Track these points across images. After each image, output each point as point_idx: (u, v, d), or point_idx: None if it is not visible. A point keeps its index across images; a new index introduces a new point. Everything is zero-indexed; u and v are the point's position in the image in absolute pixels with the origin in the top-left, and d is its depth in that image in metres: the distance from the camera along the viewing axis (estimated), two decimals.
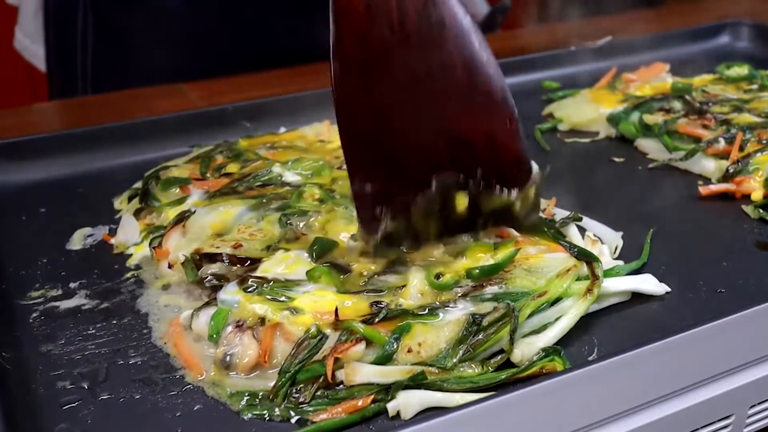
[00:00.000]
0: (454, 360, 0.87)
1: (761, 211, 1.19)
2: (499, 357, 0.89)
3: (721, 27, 1.96)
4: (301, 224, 1.07)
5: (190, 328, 0.95)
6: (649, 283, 1.01)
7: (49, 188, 1.34)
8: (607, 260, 1.05)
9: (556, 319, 0.93)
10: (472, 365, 0.88)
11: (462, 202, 0.99)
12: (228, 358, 0.89)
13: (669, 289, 1.01)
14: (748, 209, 1.21)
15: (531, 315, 0.92)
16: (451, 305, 0.92)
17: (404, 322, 0.89)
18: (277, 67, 1.87)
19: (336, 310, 0.90)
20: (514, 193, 1.00)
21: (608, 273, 1.01)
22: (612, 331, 0.95)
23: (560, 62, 1.78)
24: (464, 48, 0.94)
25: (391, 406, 0.83)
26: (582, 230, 1.12)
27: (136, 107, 1.66)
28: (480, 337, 0.89)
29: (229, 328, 0.91)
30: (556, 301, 0.95)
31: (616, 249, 1.10)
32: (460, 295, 0.94)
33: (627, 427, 0.81)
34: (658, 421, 0.82)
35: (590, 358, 0.91)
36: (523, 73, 1.73)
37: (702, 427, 0.87)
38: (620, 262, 1.06)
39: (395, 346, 0.87)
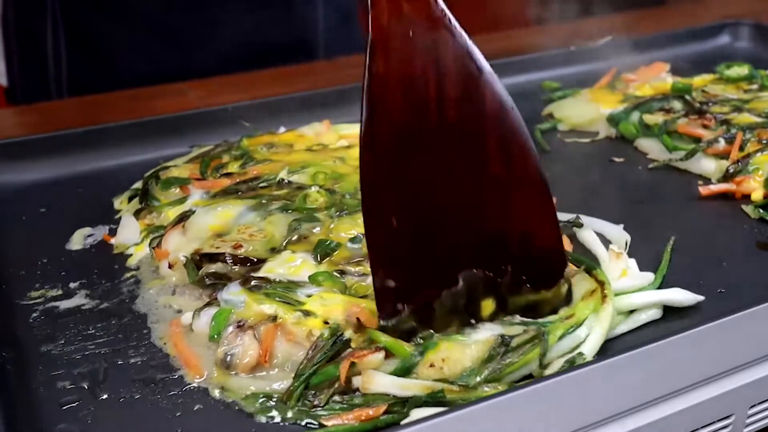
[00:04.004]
0: (478, 379, 0.85)
1: (761, 211, 1.19)
2: (531, 380, 0.85)
3: (721, 27, 1.96)
4: (315, 230, 1.07)
5: (190, 329, 0.95)
6: (680, 295, 0.98)
7: (49, 188, 1.34)
8: (635, 273, 1.03)
9: (586, 339, 0.91)
10: (498, 387, 0.85)
11: (488, 305, 0.92)
12: (229, 358, 0.89)
13: (702, 298, 0.98)
14: (748, 209, 1.21)
15: (561, 337, 0.90)
16: (479, 325, 0.90)
17: (431, 338, 0.87)
18: (260, 66, 1.87)
19: (357, 320, 0.89)
20: (545, 290, 0.94)
21: (638, 289, 1.00)
22: (616, 335, 0.95)
23: (560, 62, 1.78)
24: (506, 139, 0.89)
25: (405, 423, 0.79)
26: (606, 242, 1.10)
27: (136, 107, 1.66)
28: (508, 358, 0.86)
29: (230, 329, 0.91)
30: (584, 321, 0.92)
31: (626, 245, 1.10)
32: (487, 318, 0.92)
33: (627, 427, 0.81)
34: (658, 421, 0.82)
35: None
36: (523, 73, 1.73)
37: (702, 427, 0.86)
38: (649, 274, 1.03)
39: (417, 360, 0.86)
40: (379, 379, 0.84)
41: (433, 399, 0.82)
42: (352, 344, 0.88)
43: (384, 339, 0.87)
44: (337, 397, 0.85)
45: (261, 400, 0.85)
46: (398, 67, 0.86)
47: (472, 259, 0.91)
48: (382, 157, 0.87)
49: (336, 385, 0.85)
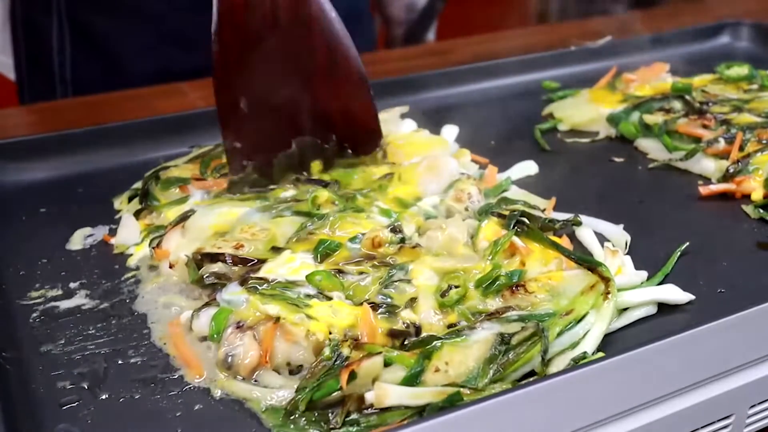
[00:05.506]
0: (485, 380, 0.85)
1: (761, 211, 1.19)
2: (532, 379, 0.85)
3: (721, 27, 1.96)
4: (325, 230, 1.06)
5: (190, 329, 0.95)
6: (673, 293, 0.99)
7: (49, 188, 1.34)
8: (630, 271, 1.03)
9: (585, 335, 0.91)
10: (504, 386, 0.85)
11: (317, 165, 1.23)
12: (230, 359, 0.89)
13: (693, 297, 0.99)
14: (748, 209, 1.21)
15: (560, 333, 0.90)
16: (477, 326, 0.90)
17: (431, 344, 0.87)
18: None
19: (356, 338, 0.88)
20: (364, 156, 1.25)
21: (632, 286, 1.00)
22: (610, 330, 0.95)
23: (560, 62, 1.78)
24: (328, 36, 1.17)
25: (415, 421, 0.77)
26: (602, 239, 1.11)
27: (136, 107, 1.66)
28: (510, 356, 0.87)
29: (230, 329, 0.91)
30: (583, 317, 0.92)
31: (626, 245, 1.10)
32: (482, 318, 0.92)
33: (627, 427, 0.81)
34: (658, 421, 0.82)
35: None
36: (523, 73, 1.73)
37: (702, 427, 0.87)
38: (643, 273, 1.04)
39: (422, 366, 0.85)
40: (392, 392, 0.82)
41: (450, 404, 0.81)
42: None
43: (393, 353, 0.86)
44: (355, 415, 0.83)
45: (281, 416, 0.83)
46: None
47: (303, 127, 1.21)
48: (229, 50, 1.15)
49: (348, 404, 0.83)
